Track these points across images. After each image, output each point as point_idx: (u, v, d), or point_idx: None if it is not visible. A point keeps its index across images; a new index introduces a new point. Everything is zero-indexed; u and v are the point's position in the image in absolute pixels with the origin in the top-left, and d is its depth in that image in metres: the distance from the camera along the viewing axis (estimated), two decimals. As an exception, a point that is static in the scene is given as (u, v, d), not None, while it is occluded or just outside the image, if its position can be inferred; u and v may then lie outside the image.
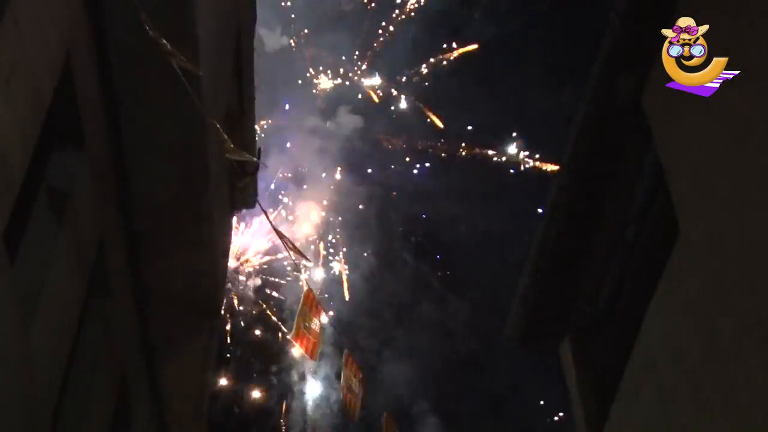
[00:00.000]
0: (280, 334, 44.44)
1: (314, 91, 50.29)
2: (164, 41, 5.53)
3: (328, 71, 50.27)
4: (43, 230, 6.60)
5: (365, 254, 47.75)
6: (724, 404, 6.81)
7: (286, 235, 7.62)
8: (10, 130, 5.43)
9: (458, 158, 48.80)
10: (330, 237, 48.29)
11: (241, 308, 44.43)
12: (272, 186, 45.34)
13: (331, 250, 48.21)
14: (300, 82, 49.54)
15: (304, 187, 48.24)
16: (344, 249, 48.01)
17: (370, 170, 49.64)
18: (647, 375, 8.37)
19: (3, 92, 5.25)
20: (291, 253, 7.39)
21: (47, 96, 6.03)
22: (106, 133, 7.55)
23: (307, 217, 48.08)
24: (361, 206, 48.79)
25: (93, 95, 7.12)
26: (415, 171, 49.74)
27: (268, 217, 10.62)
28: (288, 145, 47.62)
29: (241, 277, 44.52)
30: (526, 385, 40.42)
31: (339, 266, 47.80)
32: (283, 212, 46.34)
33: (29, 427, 6.31)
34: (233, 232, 13.77)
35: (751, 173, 6.61)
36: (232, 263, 42.01)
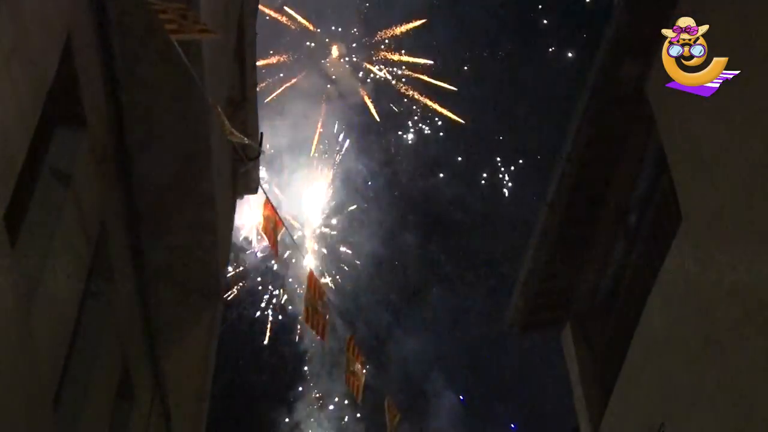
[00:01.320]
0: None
1: (324, 61, 49.88)
2: (166, 16, 5.51)
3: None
4: (44, 211, 6.58)
5: (372, 232, 47.63)
6: (724, 389, 6.81)
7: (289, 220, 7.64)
8: (11, 110, 5.42)
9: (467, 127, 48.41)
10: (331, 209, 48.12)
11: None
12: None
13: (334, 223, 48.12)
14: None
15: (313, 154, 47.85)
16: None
17: (375, 143, 49.36)
18: (648, 361, 8.38)
19: (3, 72, 5.24)
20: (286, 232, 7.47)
21: (48, 76, 6.01)
22: (107, 113, 7.53)
23: (310, 192, 47.89)
24: (369, 182, 48.55)
25: (94, 76, 7.10)
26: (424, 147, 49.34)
27: (271, 204, 10.63)
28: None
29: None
30: (539, 366, 40.45)
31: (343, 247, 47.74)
32: (277, 190, 45.81)
33: (30, 410, 6.32)
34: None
35: (754, 160, 6.60)
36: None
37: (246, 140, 7.65)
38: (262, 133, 13.54)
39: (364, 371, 9.01)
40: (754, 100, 6.52)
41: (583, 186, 9.30)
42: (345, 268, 47.21)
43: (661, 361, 8.03)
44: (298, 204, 47.23)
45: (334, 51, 49.79)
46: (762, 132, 6.48)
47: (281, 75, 47.47)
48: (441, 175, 48.82)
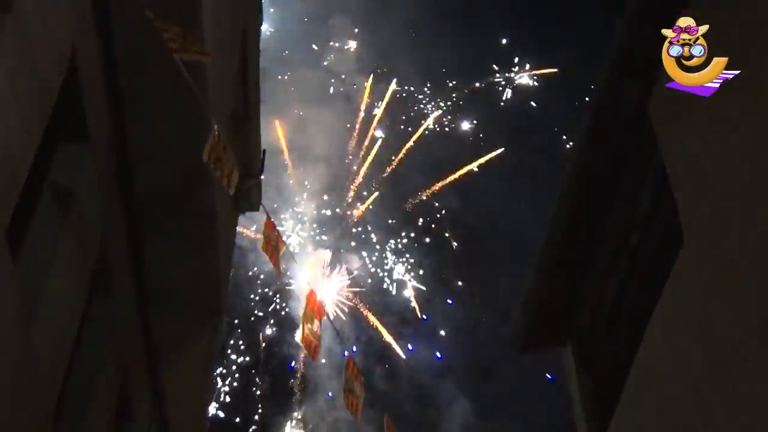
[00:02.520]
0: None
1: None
2: (169, 35, 5.54)
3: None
4: (46, 227, 6.60)
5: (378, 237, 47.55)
6: (727, 412, 6.78)
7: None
8: (15, 125, 5.44)
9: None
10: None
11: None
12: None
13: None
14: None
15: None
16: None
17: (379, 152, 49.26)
18: (649, 382, 8.34)
19: (8, 88, 5.26)
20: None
21: (53, 92, 6.04)
22: (110, 129, 7.56)
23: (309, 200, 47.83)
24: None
25: (98, 91, 7.13)
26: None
27: (272, 223, 10.63)
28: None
29: None
30: (554, 377, 40.31)
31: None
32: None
33: (30, 426, 6.30)
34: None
35: (757, 182, 6.59)
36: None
37: (235, 174, 7.62)
38: (264, 150, 13.58)
39: (363, 390, 8.97)
40: (758, 122, 6.52)
41: (584, 206, 9.30)
42: (348, 281, 47.20)
43: (663, 382, 7.99)
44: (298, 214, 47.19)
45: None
46: (766, 153, 6.47)
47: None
48: (452, 186, 48.83)
